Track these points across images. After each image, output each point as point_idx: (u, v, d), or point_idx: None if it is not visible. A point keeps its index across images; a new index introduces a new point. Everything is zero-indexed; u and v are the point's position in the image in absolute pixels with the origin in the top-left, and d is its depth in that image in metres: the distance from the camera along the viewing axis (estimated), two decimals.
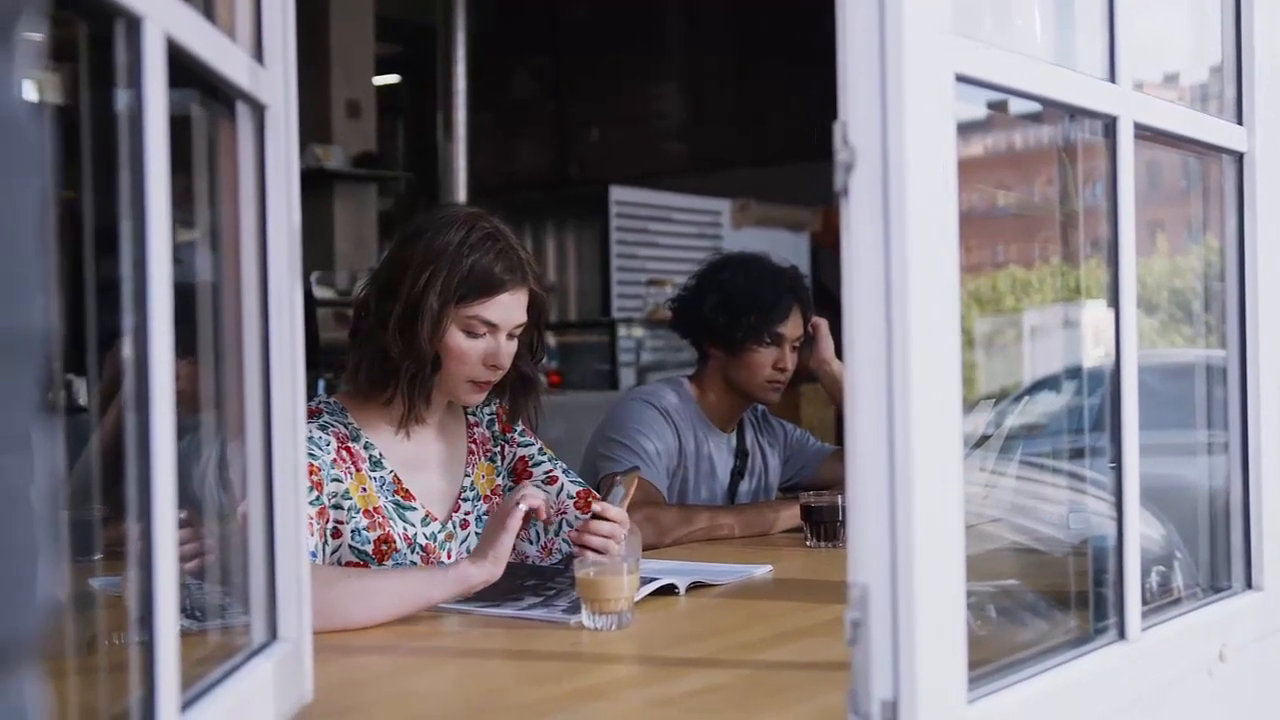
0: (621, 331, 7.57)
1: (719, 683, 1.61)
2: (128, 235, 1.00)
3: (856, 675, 1.19)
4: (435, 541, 2.24)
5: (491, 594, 2.06)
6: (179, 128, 1.07)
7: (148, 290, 1.00)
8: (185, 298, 1.11)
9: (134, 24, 0.98)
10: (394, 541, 2.17)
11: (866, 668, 1.18)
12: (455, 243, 2.15)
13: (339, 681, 1.58)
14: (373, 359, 2.18)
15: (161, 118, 1.01)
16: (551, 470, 2.38)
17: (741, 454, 3.15)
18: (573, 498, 2.34)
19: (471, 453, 2.35)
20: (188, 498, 1.11)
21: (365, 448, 2.21)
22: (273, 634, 1.37)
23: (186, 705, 1.09)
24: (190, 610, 1.31)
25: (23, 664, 0.58)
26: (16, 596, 0.57)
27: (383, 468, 2.21)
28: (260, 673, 1.29)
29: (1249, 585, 1.82)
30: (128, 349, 1.00)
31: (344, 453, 2.17)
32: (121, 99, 1.01)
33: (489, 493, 2.35)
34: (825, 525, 2.65)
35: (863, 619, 1.18)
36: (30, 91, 0.62)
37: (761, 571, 2.35)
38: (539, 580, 2.14)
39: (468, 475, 2.33)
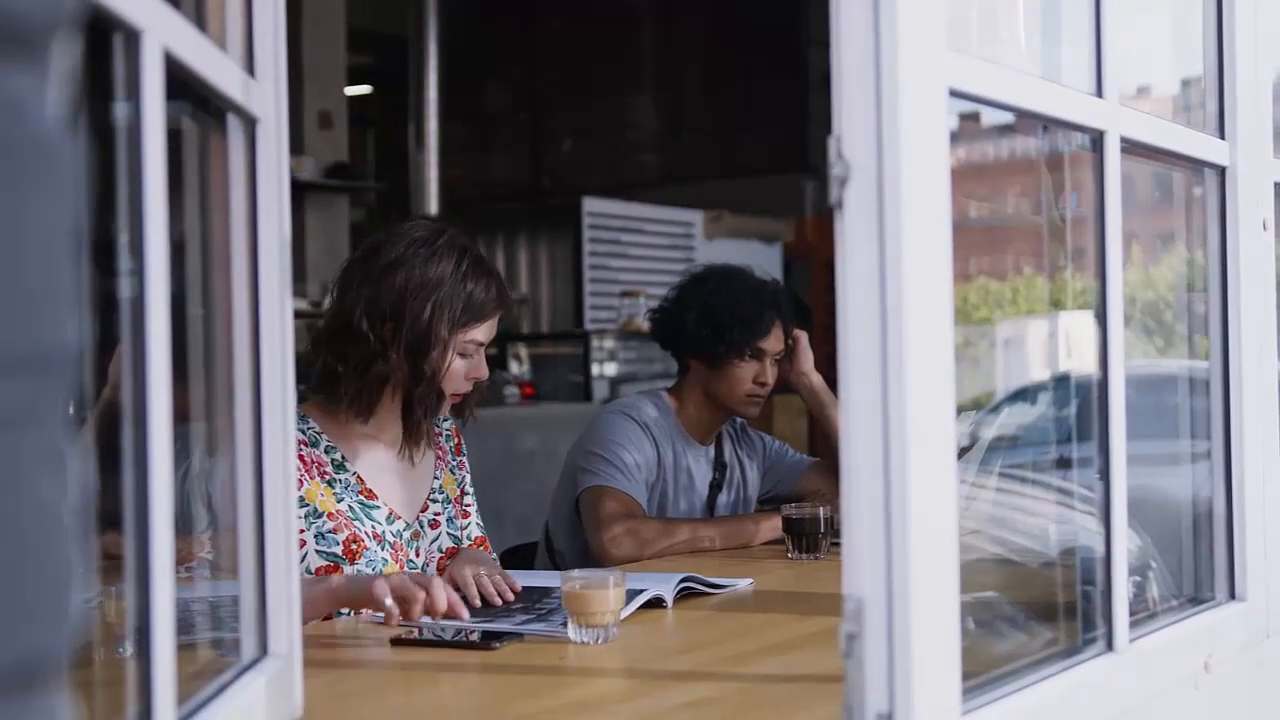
0: (594, 343, 7.56)
1: (709, 696, 1.61)
2: (125, 247, 1.00)
3: (851, 688, 1.19)
4: (402, 539, 2.31)
5: (483, 611, 2.05)
6: (169, 140, 1.06)
7: (145, 301, 0.99)
8: (175, 309, 1.10)
9: (133, 37, 0.97)
10: (362, 540, 2.24)
11: (862, 680, 1.18)
12: (450, 271, 2.25)
13: (329, 696, 1.57)
14: (373, 384, 2.25)
15: (159, 130, 1.01)
16: (470, 506, 2.50)
17: (720, 466, 3.15)
18: (471, 540, 2.44)
19: (440, 458, 2.45)
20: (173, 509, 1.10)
21: (326, 452, 2.28)
22: (263, 649, 1.36)
23: None
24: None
25: (56, 680, 0.58)
26: (50, 614, 0.57)
27: (346, 470, 2.28)
28: (252, 688, 1.28)
29: (1232, 596, 1.83)
30: (125, 363, 0.99)
31: (298, 460, 2.19)
32: (118, 111, 1.00)
33: (454, 498, 2.45)
34: (807, 537, 2.65)
35: (858, 632, 1.18)
36: (62, 109, 0.62)
37: (744, 584, 2.35)
38: (529, 601, 2.14)
39: (436, 478, 2.42)
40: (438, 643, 1.88)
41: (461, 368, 2.29)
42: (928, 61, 1.19)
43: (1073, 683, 1.45)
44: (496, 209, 9.30)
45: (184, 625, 1.37)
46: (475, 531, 2.47)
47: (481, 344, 2.31)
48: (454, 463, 2.48)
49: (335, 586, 2.06)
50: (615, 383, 7.44)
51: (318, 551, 2.20)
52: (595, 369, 7.48)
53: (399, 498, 2.34)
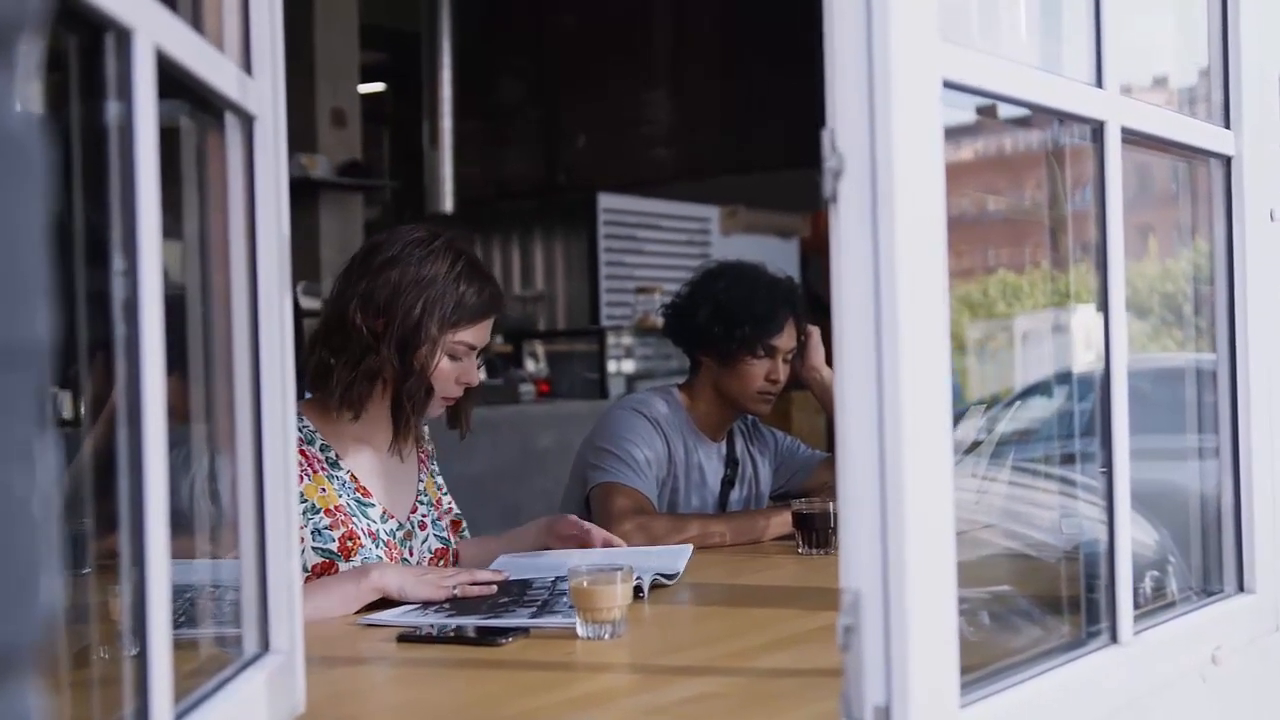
0: (610, 339, 7.56)
1: (713, 690, 1.61)
2: (118, 247, 1.00)
3: (849, 681, 1.19)
4: (395, 539, 2.35)
5: (477, 608, 2.05)
6: (166, 139, 1.07)
7: (139, 302, 1.00)
8: (173, 310, 1.11)
9: (124, 36, 0.98)
10: (359, 538, 2.27)
11: (859, 673, 1.18)
12: (444, 272, 2.29)
13: (331, 693, 1.58)
14: (364, 378, 2.27)
15: (151, 129, 1.01)
16: (436, 516, 2.49)
17: (732, 462, 3.15)
18: (431, 553, 2.43)
19: (422, 462, 2.49)
20: (177, 511, 1.11)
21: (321, 450, 2.31)
22: (265, 645, 1.37)
23: (179, 717, 1.09)
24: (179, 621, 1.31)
25: (24, 672, 0.58)
26: (18, 606, 0.58)
27: (340, 468, 2.32)
28: (253, 684, 1.28)
29: (1240, 588, 1.83)
30: (119, 362, 1.00)
31: (298, 456, 2.22)
32: (111, 110, 1.00)
33: (435, 501, 2.49)
34: (817, 532, 2.65)
35: (855, 624, 1.18)
36: (30, 105, 0.62)
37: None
38: (518, 594, 2.14)
39: (420, 480, 2.47)
40: (443, 639, 1.88)
41: (451, 370, 2.31)
42: (920, 53, 1.19)
43: (1075, 675, 1.45)
44: (511, 206, 9.31)
45: (189, 621, 1.38)
46: (435, 545, 2.45)
47: (472, 347, 2.33)
48: (432, 468, 2.53)
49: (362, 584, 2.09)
50: (631, 379, 7.45)
51: (314, 549, 2.23)
52: (611, 366, 7.49)
53: (390, 498, 2.37)
